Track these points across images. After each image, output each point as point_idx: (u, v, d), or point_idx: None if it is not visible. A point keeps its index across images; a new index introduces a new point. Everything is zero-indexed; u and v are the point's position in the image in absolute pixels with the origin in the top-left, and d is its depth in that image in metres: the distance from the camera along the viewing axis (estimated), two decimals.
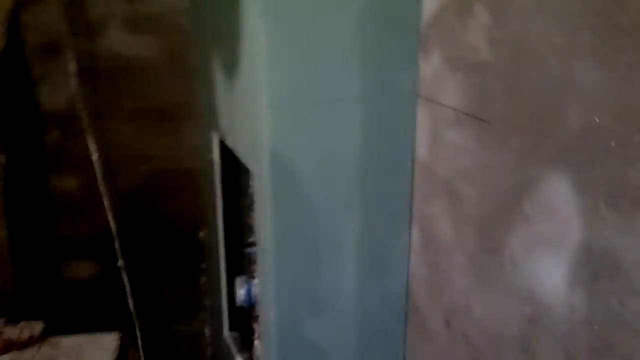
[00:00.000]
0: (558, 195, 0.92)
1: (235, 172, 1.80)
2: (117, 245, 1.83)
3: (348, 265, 1.38)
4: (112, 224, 1.83)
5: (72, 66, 1.74)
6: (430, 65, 1.26)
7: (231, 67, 1.45)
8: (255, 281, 1.74)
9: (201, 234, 2.13)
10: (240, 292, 1.75)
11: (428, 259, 1.36)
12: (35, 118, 1.77)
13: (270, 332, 1.39)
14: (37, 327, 1.78)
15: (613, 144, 0.80)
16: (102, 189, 1.77)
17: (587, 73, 0.84)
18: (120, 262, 1.79)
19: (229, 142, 1.64)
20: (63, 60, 1.76)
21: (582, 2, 0.84)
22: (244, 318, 1.91)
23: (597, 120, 0.83)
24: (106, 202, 1.81)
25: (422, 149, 1.33)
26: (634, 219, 0.78)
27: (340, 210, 1.33)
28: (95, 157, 1.75)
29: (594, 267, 0.86)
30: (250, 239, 1.74)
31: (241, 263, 1.88)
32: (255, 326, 1.81)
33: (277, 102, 1.20)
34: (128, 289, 1.88)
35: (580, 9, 0.85)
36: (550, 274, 0.95)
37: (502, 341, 1.10)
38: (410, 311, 1.44)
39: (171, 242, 2.10)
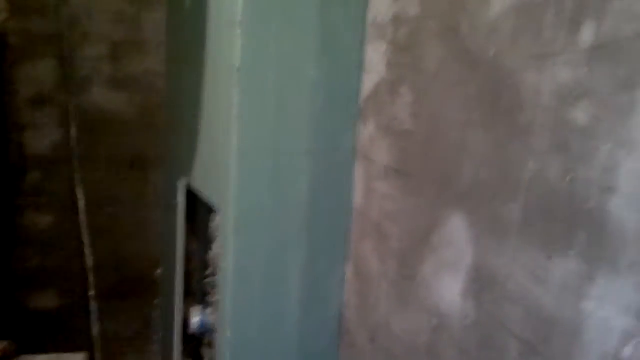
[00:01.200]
0: (456, 230, 1.21)
1: (194, 214, 2.04)
2: (90, 277, 2.01)
3: (293, 292, 1.62)
4: (87, 258, 2.02)
5: (57, 116, 1.96)
6: (367, 130, 1.56)
7: (202, 121, 1.71)
8: (208, 310, 1.95)
9: (157, 272, 2.32)
10: (194, 321, 1.95)
11: (359, 288, 1.62)
12: (19, 159, 1.96)
13: (225, 349, 1.61)
14: (7, 344, 1.91)
15: (491, 192, 1.10)
16: (81, 225, 1.96)
17: (477, 140, 1.15)
18: (91, 293, 1.95)
19: (195, 186, 1.88)
20: (49, 110, 1.97)
21: (474, 91, 1.16)
22: (195, 346, 2.10)
23: (482, 174, 1.13)
24: (85, 238, 2.00)
25: (357, 197, 1.61)
26: (504, 245, 1.07)
27: (288, 246, 1.58)
28: (78, 196, 1.95)
29: (481, 282, 1.14)
30: (207, 272, 1.96)
31: (194, 296, 2.09)
32: (206, 352, 2.01)
33: (244, 151, 1.46)
34: (94, 316, 2.04)
35: (473, 96, 1.16)
36: (450, 290, 1.23)
37: (414, 349, 1.36)
38: (342, 332, 1.69)
39: (130, 279, 2.28)
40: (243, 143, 1.46)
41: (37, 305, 2.17)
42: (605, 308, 0.86)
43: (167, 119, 2.08)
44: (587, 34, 0.90)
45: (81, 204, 2.06)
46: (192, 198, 1.98)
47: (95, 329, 2.13)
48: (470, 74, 1.17)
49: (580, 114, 0.91)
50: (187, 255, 2.08)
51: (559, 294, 0.94)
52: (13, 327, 2.07)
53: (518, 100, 1.04)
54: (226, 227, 1.54)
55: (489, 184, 1.11)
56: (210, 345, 1.92)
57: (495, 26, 1.10)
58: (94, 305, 2.13)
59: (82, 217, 2.08)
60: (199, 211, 2.03)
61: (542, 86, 0.99)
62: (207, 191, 1.75)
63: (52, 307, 2.16)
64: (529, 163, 1.02)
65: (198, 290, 2.05)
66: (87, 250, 2.10)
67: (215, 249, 1.85)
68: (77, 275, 2.14)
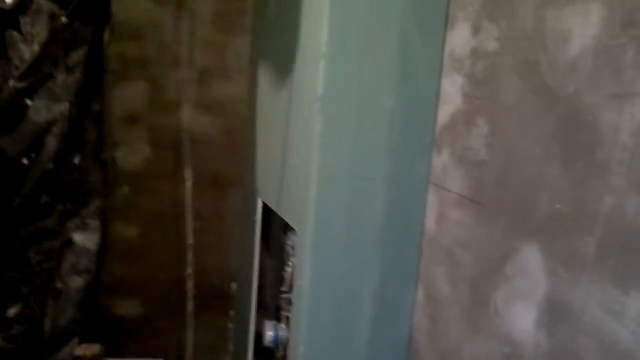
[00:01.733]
0: (530, 261, 1.23)
1: (270, 231, 2.11)
2: (173, 287, 2.11)
3: (365, 312, 1.66)
4: (170, 269, 2.13)
5: (146, 135, 2.08)
6: (441, 159, 1.59)
7: (283, 145, 1.78)
8: (281, 325, 2.01)
9: (233, 285, 2.41)
10: (268, 334, 2.01)
11: (429, 312, 1.65)
12: (112, 174, 2.09)
13: None
14: (99, 348, 2.03)
15: (567, 225, 1.12)
16: (166, 237, 2.08)
17: (554, 173, 1.16)
18: (172, 302, 2.05)
19: (272, 205, 1.95)
20: (139, 129, 2.10)
21: (552, 126, 1.18)
22: (266, 359, 2.16)
23: (558, 207, 1.14)
24: (169, 250, 2.12)
25: (430, 223, 1.64)
26: (579, 278, 1.08)
27: (362, 267, 1.63)
28: (164, 209, 2.07)
29: (554, 312, 1.15)
30: (281, 288, 2.02)
31: (267, 310, 2.16)
32: None
33: (323, 175, 1.52)
34: (174, 324, 2.14)
35: (551, 130, 1.18)
36: (523, 319, 1.24)
37: None
38: (411, 354, 1.71)
39: (207, 290, 2.38)
40: (323, 168, 1.52)
41: (121, 312, 2.28)
42: None
43: (248, 140, 2.17)
44: None
45: (166, 217, 2.18)
46: (268, 216, 2.05)
47: (175, 337, 2.22)
48: (549, 109, 1.19)
49: None
50: (262, 270, 2.15)
51: (636, 328, 0.95)
52: (98, 332, 2.19)
53: (596, 136, 1.06)
54: (303, 246, 1.60)
55: (564, 217, 1.13)
56: (283, 359, 1.97)
57: (574, 64, 1.12)
58: (174, 314, 2.23)
59: (167, 229, 2.19)
60: (275, 229, 2.10)
61: (621, 124, 1.01)
62: (285, 211, 1.81)
63: (135, 314, 2.27)
64: (606, 198, 1.04)
65: (271, 305, 2.12)
66: (171, 261, 2.21)
67: (291, 266, 1.91)
68: (159, 285, 2.25)
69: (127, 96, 1.98)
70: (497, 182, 1.36)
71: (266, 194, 2.01)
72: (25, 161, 1.37)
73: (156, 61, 2.06)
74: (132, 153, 2.01)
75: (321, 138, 1.49)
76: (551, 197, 1.17)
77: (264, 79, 1.98)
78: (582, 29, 1.11)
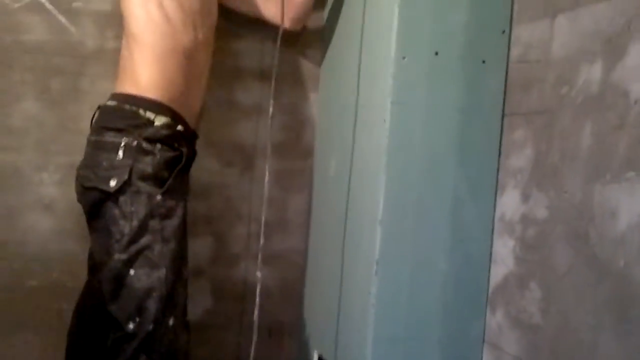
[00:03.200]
0: None
1: None
2: None
3: None
4: None
5: (209, 286, 2.17)
6: (495, 319, 1.59)
7: (340, 300, 1.81)
8: None
9: None
10: None
11: None
12: None
13: None
14: None
15: None
16: None
17: (608, 345, 1.16)
18: None
19: (328, 356, 1.95)
20: (203, 281, 2.18)
21: (604, 297, 1.19)
22: None
23: None
24: None
25: None
26: None
27: None
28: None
29: None
30: None
31: None
32: None
33: (379, 337, 1.54)
34: None
35: (603, 301, 1.19)
36: None
37: None
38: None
39: None
40: (378, 329, 1.54)
41: None
42: None
43: (305, 292, 2.22)
44: None
45: None
46: None
47: None
48: (600, 280, 1.21)
49: None
50: None
51: None
52: None
53: None
54: None
55: None
56: None
57: (623, 238, 1.16)
58: None
59: None
60: None
61: None
62: None
63: None
64: None
65: None
66: None
67: None
68: None
69: (194, 251, 2.08)
70: (551, 347, 1.35)
71: (322, 346, 2.02)
72: (131, 325, 1.48)
73: (221, 217, 2.17)
74: (193, 305, 2.08)
75: (377, 300, 1.53)
76: None
77: (320, 234, 2.07)
78: (629, 206, 1.15)
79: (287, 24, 1.80)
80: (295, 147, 2.21)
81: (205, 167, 2.10)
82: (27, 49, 1.88)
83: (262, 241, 1.78)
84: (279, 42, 1.69)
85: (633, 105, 1.17)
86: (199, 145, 1.80)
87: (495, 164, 1.62)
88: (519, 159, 1.53)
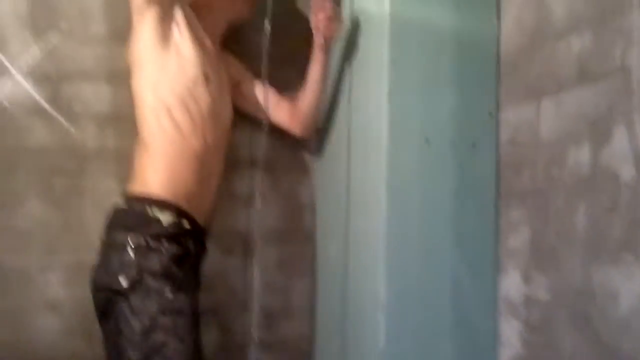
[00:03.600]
0: None
1: None
2: None
3: None
4: None
5: None
6: None
7: None
8: None
9: None
10: None
11: None
12: None
13: None
14: None
15: None
16: None
17: None
18: None
19: None
20: None
21: None
22: None
23: None
24: None
25: None
26: None
27: None
28: None
29: None
30: None
31: None
32: None
33: None
34: None
35: None
36: None
37: None
38: None
39: None
40: None
41: None
42: None
43: None
44: None
45: None
46: None
47: None
48: None
49: None
50: None
51: None
52: None
53: None
54: None
55: None
56: None
57: (627, 322, 1.15)
58: None
59: None
60: None
61: None
62: None
63: None
64: None
65: None
66: None
67: None
68: None
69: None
70: None
71: None
72: None
73: (225, 307, 2.16)
74: None
75: None
76: None
77: (325, 320, 2.05)
78: (629, 289, 1.15)
79: (298, 132, 1.90)
80: (296, 232, 2.22)
81: (206, 258, 2.11)
82: (30, 151, 1.92)
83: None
84: (265, 130, 1.73)
85: (624, 188, 1.18)
86: None
87: (492, 244, 1.62)
88: (517, 240, 1.54)
